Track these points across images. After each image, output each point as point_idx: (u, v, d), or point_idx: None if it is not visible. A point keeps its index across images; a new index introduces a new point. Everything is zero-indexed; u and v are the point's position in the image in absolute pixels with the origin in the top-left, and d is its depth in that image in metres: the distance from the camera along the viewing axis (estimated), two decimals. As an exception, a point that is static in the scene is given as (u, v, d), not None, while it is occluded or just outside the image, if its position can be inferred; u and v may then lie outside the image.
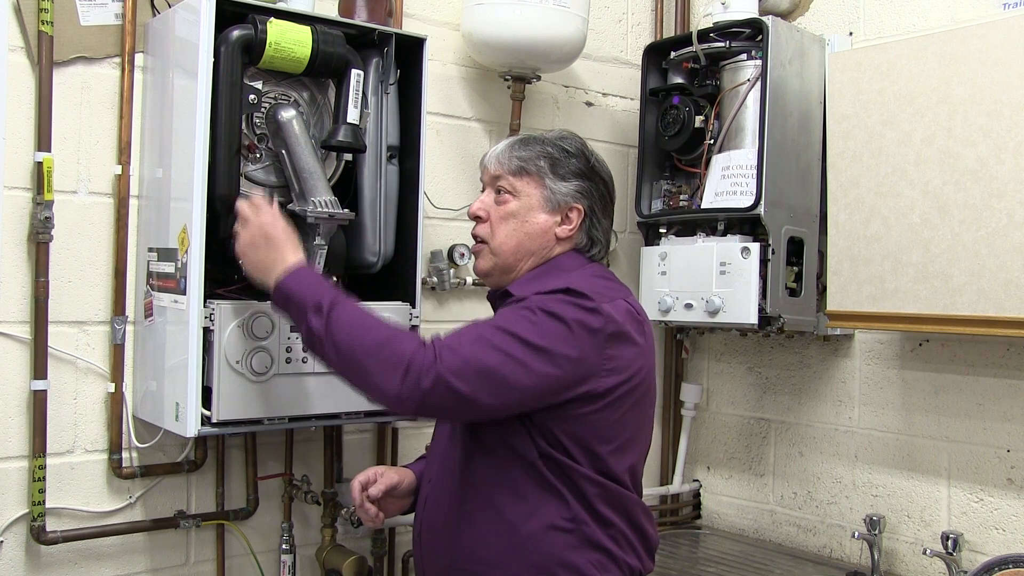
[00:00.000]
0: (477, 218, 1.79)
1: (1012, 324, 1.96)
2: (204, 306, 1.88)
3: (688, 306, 2.46)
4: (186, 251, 1.90)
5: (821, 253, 2.46)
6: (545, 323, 1.57)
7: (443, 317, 2.56)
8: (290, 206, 2.02)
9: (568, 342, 1.56)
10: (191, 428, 1.89)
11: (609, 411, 1.62)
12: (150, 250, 2.07)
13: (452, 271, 2.55)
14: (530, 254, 1.75)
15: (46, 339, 2.02)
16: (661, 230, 2.58)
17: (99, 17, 2.07)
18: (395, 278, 2.22)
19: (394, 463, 2.51)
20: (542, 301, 1.60)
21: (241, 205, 1.77)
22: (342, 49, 2.02)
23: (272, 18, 1.95)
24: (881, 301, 2.18)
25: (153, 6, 2.13)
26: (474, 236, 1.81)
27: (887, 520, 2.41)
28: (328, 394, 2.03)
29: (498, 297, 1.81)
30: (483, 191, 1.81)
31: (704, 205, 2.49)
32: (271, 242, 1.71)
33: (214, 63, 1.89)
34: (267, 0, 2.01)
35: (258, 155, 2.02)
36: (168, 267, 1.98)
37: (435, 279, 2.51)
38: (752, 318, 2.35)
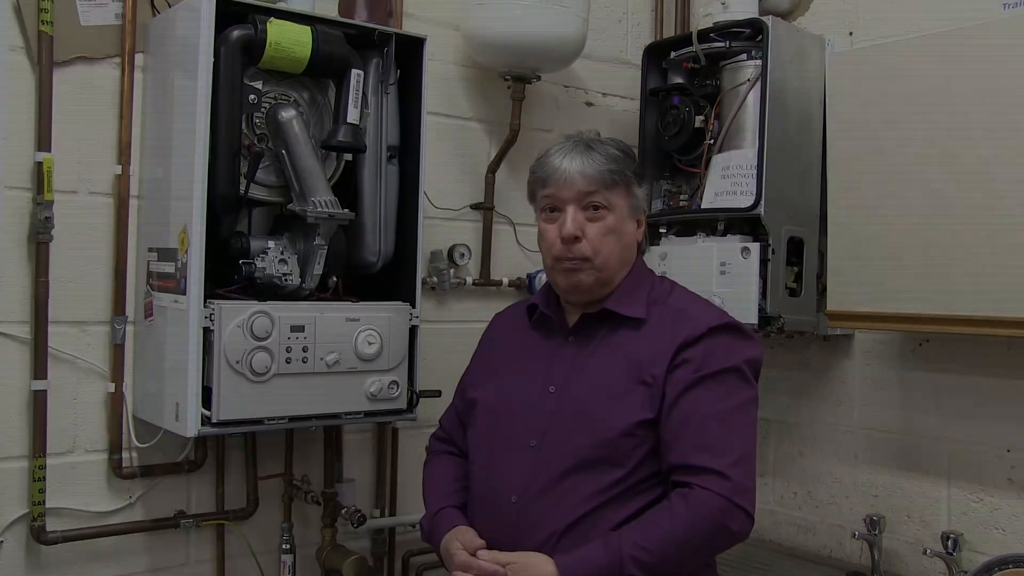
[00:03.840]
0: (574, 238, 1.71)
1: (1012, 324, 1.96)
2: (204, 306, 1.89)
3: (688, 306, 2.46)
4: (186, 251, 1.90)
5: (821, 253, 2.45)
6: (748, 374, 1.70)
7: (443, 317, 2.56)
8: (290, 206, 2.02)
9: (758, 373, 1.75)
10: (191, 428, 1.89)
11: None
12: (150, 250, 2.07)
13: (452, 271, 2.55)
14: (626, 265, 1.77)
15: (46, 339, 2.02)
16: (661, 230, 2.58)
17: (99, 17, 2.07)
18: (395, 278, 2.22)
19: (394, 463, 2.51)
20: (730, 351, 1.69)
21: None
22: (342, 49, 2.02)
23: (272, 18, 1.95)
24: (881, 301, 2.17)
25: (153, 6, 2.13)
26: (572, 256, 1.72)
27: (887, 520, 2.41)
28: (328, 394, 2.03)
29: (594, 319, 1.76)
30: (555, 210, 1.74)
31: (704, 205, 2.49)
32: None
33: (214, 63, 1.89)
34: (267, 0, 2.01)
35: (267, 163, 2.02)
36: (168, 267, 1.98)
37: (435, 279, 2.51)
38: (752, 318, 2.34)
